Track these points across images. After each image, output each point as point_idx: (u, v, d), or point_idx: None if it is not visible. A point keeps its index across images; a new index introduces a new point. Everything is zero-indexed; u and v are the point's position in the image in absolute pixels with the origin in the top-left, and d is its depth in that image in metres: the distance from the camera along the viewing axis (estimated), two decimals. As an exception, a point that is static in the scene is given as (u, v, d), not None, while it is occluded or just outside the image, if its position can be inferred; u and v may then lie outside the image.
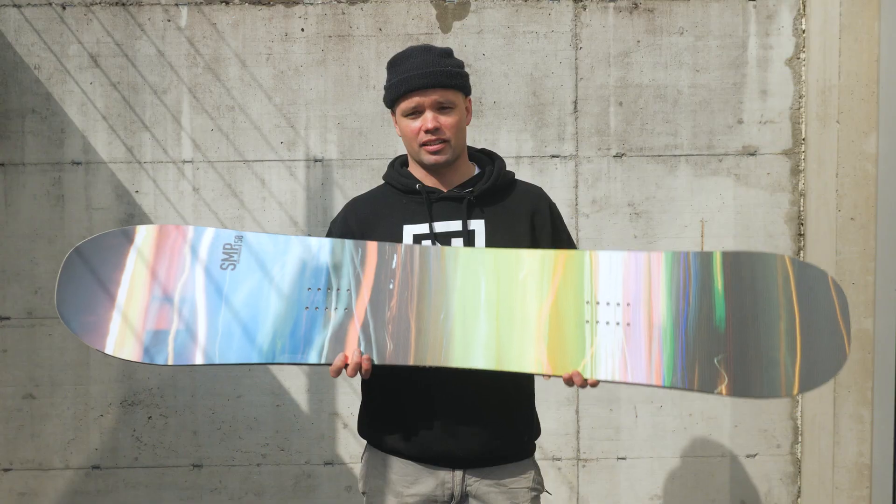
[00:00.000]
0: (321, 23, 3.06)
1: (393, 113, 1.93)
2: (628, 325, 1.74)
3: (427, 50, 1.88)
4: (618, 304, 1.76)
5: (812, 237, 3.06)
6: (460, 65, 1.91)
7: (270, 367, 3.10)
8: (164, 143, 3.07)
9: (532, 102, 3.08)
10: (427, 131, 1.84)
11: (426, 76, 1.83)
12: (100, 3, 3.04)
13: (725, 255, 1.78)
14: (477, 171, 1.96)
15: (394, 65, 1.90)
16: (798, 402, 3.16)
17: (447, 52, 1.90)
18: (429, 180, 1.92)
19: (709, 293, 1.75)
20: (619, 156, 3.10)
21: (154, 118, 3.07)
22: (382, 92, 1.94)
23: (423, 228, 1.87)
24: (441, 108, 1.85)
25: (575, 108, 3.09)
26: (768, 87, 3.10)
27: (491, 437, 1.86)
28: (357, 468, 3.07)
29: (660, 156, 3.11)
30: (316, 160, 3.08)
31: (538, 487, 1.95)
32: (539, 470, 1.97)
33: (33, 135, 3.05)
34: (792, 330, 1.72)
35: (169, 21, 3.05)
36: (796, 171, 3.12)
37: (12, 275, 3.06)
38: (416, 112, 1.85)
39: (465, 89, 1.90)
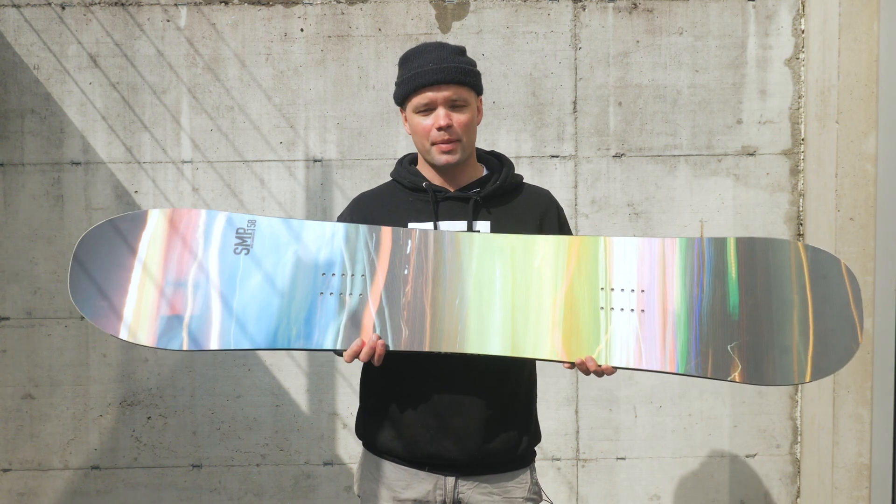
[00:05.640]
0: (320, 23, 3.06)
1: (403, 110, 1.89)
2: (643, 311, 1.74)
3: (441, 46, 1.86)
4: (632, 291, 1.76)
5: (811, 237, 3.06)
6: (473, 63, 1.88)
7: (270, 367, 3.10)
8: (163, 143, 3.07)
9: (531, 102, 3.08)
10: (439, 129, 1.81)
11: (440, 71, 1.80)
12: (99, 3, 3.04)
13: (739, 241, 1.78)
14: (485, 172, 1.93)
15: (406, 60, 1.87)
16: (797, 402, 3.16)
17: (461, 50, 1.88)
18: (437, 179, 1.89)
19: (723, 280, 1.75)
20: (618, 156, 3.10)
21: (153, 118, 3.07)
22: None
23: (427, 227, 1.85)
24: (454, 105, 1.82)
25: (574, 108, 3.09)
26: (767, 87, 3.10)
27: (486, 440, 1.82)
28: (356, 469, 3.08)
29: (659, 156, 3.11)
30: (315, 160, 3.08)
31: (535, 497, 1.90)
32: (537, 479, 1.92)
33: (32, 135, 3.04)
34: (805, 317, 1.72)
35: (168, 21, 3.05)
36: (795, 171, 3.12)
37: (11, 275, 3.06)
38: (428, 109, 1.82)
39: (477, 88, 1.87)
